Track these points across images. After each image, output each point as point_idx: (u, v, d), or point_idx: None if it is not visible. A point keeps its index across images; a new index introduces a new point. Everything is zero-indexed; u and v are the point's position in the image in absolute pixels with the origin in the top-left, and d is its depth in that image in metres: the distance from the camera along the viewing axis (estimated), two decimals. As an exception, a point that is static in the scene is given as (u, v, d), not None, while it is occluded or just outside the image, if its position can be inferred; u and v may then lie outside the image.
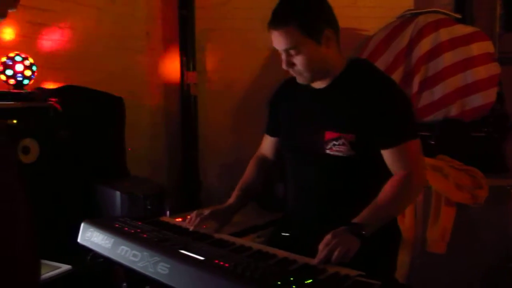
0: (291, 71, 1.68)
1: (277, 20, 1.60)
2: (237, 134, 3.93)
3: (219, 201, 2.73)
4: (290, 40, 1.58)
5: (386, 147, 1.61)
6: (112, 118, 3.08)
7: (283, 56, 1.64)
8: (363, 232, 1.46)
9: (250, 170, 1.99)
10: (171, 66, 3.97)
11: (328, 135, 1.64)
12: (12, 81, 2.69)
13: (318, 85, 1.72)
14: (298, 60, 1.61)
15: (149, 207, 2.51)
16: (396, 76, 3.24)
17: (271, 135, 1.95)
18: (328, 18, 1.64)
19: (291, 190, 1.85)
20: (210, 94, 3.96)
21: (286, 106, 1.84)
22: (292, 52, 1.61)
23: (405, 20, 3.39)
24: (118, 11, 3.61)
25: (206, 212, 1.86)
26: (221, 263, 1.46)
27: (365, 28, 3.71)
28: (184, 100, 3.86)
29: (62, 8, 3.17)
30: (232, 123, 3.97)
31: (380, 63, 3.28)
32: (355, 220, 1.50)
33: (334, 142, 1.63)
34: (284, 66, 1.66)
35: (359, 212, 1.53)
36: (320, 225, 1.56)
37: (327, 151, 1.64)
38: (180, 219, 2.16)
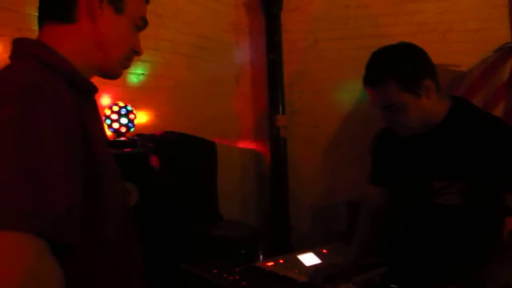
0: (392, 126, 1.62)
1: (372, 78, 1.53)
2: (327, 176, 3.86)
3: (309, 245, 2.67)
4: (387, 97, 1.50)
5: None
6: (205, 162, 3.14)
7: (381, 112, 1.56)
8: None
9: (365, 225, 1.90)
10: (261, 110, 4.03)
11: (437, 183, 1.54)
12: (115, 129, 2.85)
13: (422, 131, 1.62)
14: (397, 116, 1.53)
15: (243, 251, 2.49)
16: (497, 112, 3.06)
17: (377, 184, 1.85)
18: (425, 67, 1.54)
19: (397, 238, 1.75)
20: (300, 136, 3.95)
21: (390, 154, 1.75)
22: (391, 108, 1.52)
23: (504, 53, 3.22)
24: (208, 58, 3.77)
25: (326, 270, 1.79)
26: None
27: (456, 64, 3.56)
28: (274, 142, 3.87)
29: (160, 58, 3.36)
30: (323, 165, 3.91)
31: (479, 100, 3.12)
32: (477, 274, 1.38)
33: (444, 191, 1.53)
34: (384, 122, 1.59)
35: (471, 265, 1.42)
36: (431, 278, 1.45)
37: (437, 200, 1.54)
38: (272, 263, 2.13)
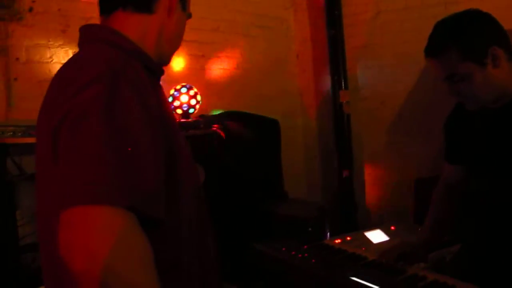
0: (458, 98, 1.53)
1: (433, 47, 1.46)
2: (394, 152, 3.77)
3: (376, 223, 2.63)
4: (450, 67, 1.42)
5: None
6: (269, 141, 3.15)
7: (446, 84, 1.48)
8: None
9: (439, 202, 1.83)
10: (323, 86, 3.98)
11: None
12: (179, 111, 2.91)
13: (495, 104, 1.50)
14: (462, 87, 1.44)
15: (310, 229, 2.50)
16: None
17: (452, 162, 1.76)
18: (492, 34, 1.43)
19: (480, 216, 1.66)
20: (364, 111, 3.87)
21: (465, 130, 1.65)
22: (454, 79, 1.44)
23: None
24: (268, 36, 3.75)
25: (398, 248, 1.75)
26: (398, 293, 1.38)
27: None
28: (337, 119, 3.81)
29: (220, 39, 3.38)
30: (389, 141, 3.82)
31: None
32: None
33: None
34: (449, 94, 1.51)
35: None
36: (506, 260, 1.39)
37: None
38: (340, 241, 2.12)
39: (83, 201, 0.75)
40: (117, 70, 0.89)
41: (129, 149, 0.81)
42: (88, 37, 1.04)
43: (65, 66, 0.99)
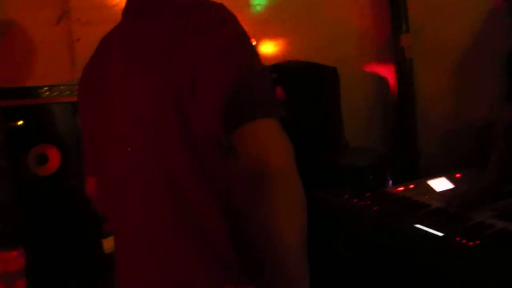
0: None
1: None
2: (458, 97, 3.63)
3: (439, 170, 2.57)
4: None
5: None
6: (328, 89, 3.11)
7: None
8: None
9: (504, 147, 1.76)
10: (383, 30, 3.83)
11: None
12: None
13: None
14: None
15: (371, 177, 2.48)
16: None
17: None
18: None
19: None
20: (427, 55, 3.70)
21: None
22: None
23: None
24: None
25: (463, 196, 1.72)
26: (464, 240, 1.36)
27: None
28: (399, 64, 3.69)
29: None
30: (451, 85, 3.67)
31: None
32: None
33: None
34: None
35: None
36: None
37: None
38: (402, 189, 2.10)
39: (266, 114, 0.94)
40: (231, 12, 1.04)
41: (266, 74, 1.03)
42: None
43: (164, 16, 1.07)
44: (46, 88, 2.44)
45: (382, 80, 3.92)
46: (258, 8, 3.24)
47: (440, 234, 1.42)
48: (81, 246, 2.42)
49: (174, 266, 1.06)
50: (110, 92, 1.15)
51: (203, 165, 1.03)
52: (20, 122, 2.33)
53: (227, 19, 1.02)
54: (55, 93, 2.49)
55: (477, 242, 1.31)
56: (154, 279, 1.08)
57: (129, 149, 1.09)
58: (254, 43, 2.88)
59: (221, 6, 1.04)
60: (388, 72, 3.83)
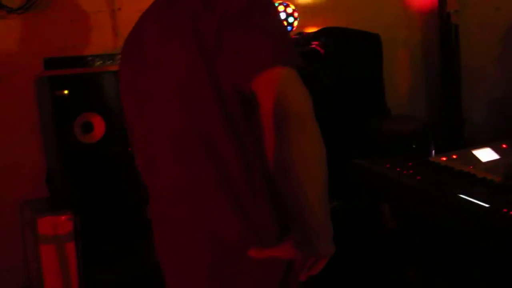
0: None
1: None
2: (506, 65, 3.48)
3: (484, 139, 2.50)
4: None
5: None
6: (370, 56, 3.05)
7: None
8: None
9: None
10: (428, -4, 3.70)
11: None
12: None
13: None
14: None
15: (414, 146, 2.44)
16: None
17: None
18: None
19: None
20: (474, 21, 3.56)
21: None
22: None
23: None
24: None
25: (509, 166, 1.67)
26: (511, 212, 1.33)
27: None
28: (444, 30, 3.56)
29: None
30: (501, 52, 3.52)
31: None
32: None
33: None
34: None
35: None
36: None
37: None
38: (446, 158, 2.05)
39: (285, 63, 0.99)
40: None
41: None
42: None
43: None
44: (90, 58, 2.49)
45: (427, 47, 3.81)
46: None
47: (486, 205, 1.39)
48: (125, 211, 2.49)
49: (215, 224, 1.10)
50: (146, 57, 1.19)
51: (234, 126, 1.07)
52: (66, 92, 2.37)
53: None
54: (99, 63, 2.53)
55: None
56: (196, 237, 1.13)
57: (166, 113, 1.14)
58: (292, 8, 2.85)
59: None
60: (433, 39, 3.72)
